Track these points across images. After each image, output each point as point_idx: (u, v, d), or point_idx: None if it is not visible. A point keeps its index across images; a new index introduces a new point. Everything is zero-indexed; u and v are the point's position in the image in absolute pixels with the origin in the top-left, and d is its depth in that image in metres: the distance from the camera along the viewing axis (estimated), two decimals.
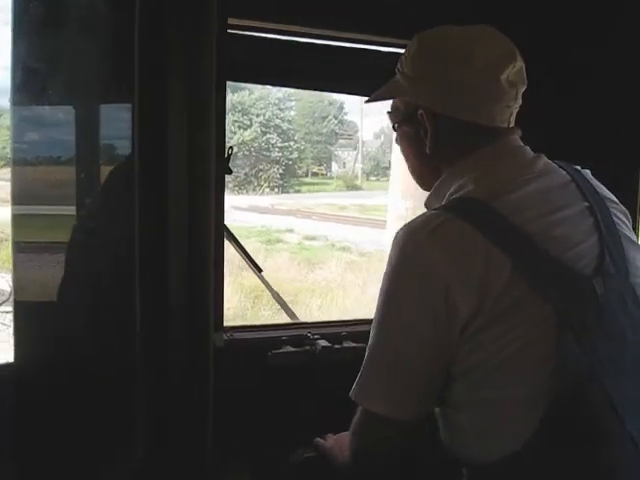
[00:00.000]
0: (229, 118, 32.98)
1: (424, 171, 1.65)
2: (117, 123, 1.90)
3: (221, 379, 1.83)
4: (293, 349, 2.29)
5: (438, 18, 2.08)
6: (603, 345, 1.37)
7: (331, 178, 36.97)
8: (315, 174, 35.69)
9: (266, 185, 33.36)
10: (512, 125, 1.55)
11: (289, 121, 35.37)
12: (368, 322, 2.40)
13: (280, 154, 34.69)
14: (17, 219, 2.02)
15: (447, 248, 1.39)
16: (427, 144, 1.57)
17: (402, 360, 1.45)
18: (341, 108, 34.96)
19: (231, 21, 2.09)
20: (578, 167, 1.57)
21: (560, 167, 1.54)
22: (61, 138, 1.96)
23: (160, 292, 1.75)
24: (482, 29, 1.53)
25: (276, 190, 33.63)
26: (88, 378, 1.85)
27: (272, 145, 34.82)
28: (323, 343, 2.28)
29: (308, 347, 2.30)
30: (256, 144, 34.13)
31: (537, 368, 1.36)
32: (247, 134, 33.71)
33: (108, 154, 1.94)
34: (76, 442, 1.84)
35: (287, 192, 33.01)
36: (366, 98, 1.84)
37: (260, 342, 2.28)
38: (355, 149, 36.59)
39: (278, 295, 2.52)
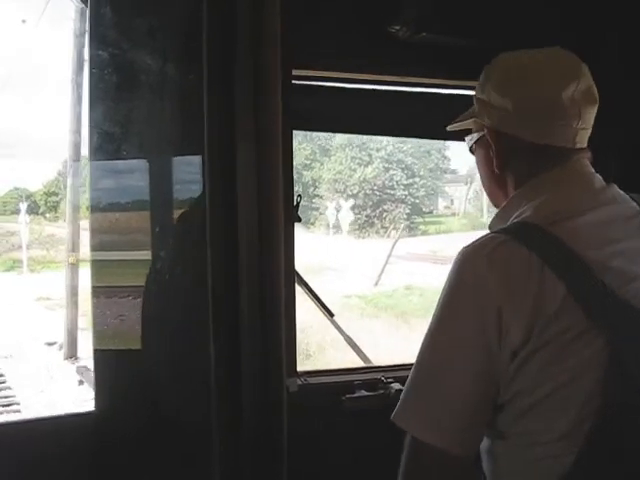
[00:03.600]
0: (346, 154, 31.91)
1: (494, 192, 1.69)
2: (188, 174, 2.01)
3: (296, 424, 1.89)
4: (367, 393, 2.33)
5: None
6: None
7: (445, 216, 34.76)
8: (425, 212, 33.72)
9: (392, 227, 31.20)
10: (579, 146, 1.56)
11: (412, 155, 33.09)
12: None
13: (406, 192, 32.56)
14: (95, 265, 2.12)
15: (502, 271, 1.39)
16: (495, 163, 1.62)
17: (450, 381, 1.42)
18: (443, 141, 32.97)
19: (295, 72, 2.17)
20: None
21: (633, 200, 1.54)
22: (135, 190, 2.10)
23: (233, 338, 1.82)
24: (549, 50, 1.59)
25: (402, 232, 31.68)
26: (165, 425, 1.94)
27: (396, 182, 32.73)
28: (397, 386, 2.37)
29: (382, 391, 2.33)
30: (379, 182, 32.27)
31: (580, 403, 1.35)
32: (369, 171, 32.09)
33: (180, 203, 2.04)
34: None
35: (414, 234, 30.94)
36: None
37: (334, 386, 2.37)
38: (466, 184, 34.74)
39: (350, 339, 2.57)
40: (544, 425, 1.38)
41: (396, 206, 31.98)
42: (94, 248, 2.21)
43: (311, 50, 2.30)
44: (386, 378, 2.45)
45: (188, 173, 2.12)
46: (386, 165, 32.37)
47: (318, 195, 32.24)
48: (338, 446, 2.32)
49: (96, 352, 2.17)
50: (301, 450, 2.00)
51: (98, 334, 2.21)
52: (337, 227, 29.44)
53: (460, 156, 33.64)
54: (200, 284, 1.93)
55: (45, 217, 36.47)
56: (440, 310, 1.45)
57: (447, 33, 2.43)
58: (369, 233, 30.69)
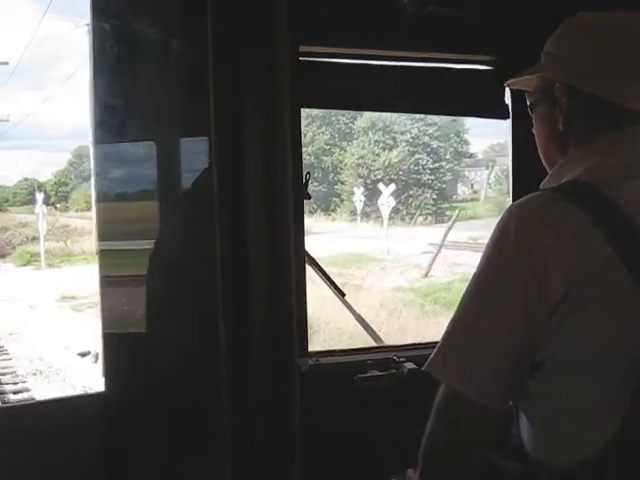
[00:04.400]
0: (370, 138, 31.13)
1: (553, 151, 1.65)
2: (194, 156, 2.00)
3: (308, 404, 1.88)
4: (379, 373, 2.31)
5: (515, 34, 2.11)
6: None
7: (466, 201, 33.73)
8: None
9: (418, 213, 30.39)
10: None
11: (438, 138, 32.19)
12: None
13: (432, 177, 31.63)
14: (103, 254, 2.13)
15: (548, 226, 1.41)
16: (560, 120, 1.58)
17: (488, 334, 1.43)
18: (462, 124, 32.19)
19: (303, 48, 2.13)
20: None
21: None
22: (142, 174, 2.09)
23: (243, 318, 1.81)
24: (631, 13, 1.56)
25: (429, 219, 30.67)
26: (175, 405, 1.94)
27: (422, 167, 31.69)
28: (409, 366, 2.37)
29: (394, 370, 2.32)
30: (405, 166, 31.36)
31: (621, 365, 1.36)
32: (394, 155, 31.18)
33: (187, 183, 2.03)
34: (164, 467, 1.92)
35: (442, 221, 29.48)
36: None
37: (346, 366, 2.39)
38: (487, 167, 33.88)
39: (362, 318, 2.56)
40: (586, 385, 1.40)
41: (422, 191, 31.08)
42: (101, 237, 2.21)
43: (319, 26, 2.28)
44: (398, 357, 2.45)
45: (194, 151, 2.10)
46: (411, 149, 31.47)
47: (340, 181, 31.63)
48: (350, 425, 2.32)
49: (105, 335, 2.18)
50: (313, 430, 1.99)
51: (107, 319, 2.20)
52: (362, 214, 28.95)
53: (479, 139, 32.88)
54: (209, 265, 1.91)
55: (56, 207, 36.40)
56: (483, 264, 1.47)
57: (455, 6, 2.39)
58: (394, 220, 29.36)
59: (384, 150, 31.15)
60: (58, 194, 38.25)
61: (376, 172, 30.91)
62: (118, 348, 2.17)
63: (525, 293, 1.39)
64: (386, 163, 30.92)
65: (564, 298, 1.36)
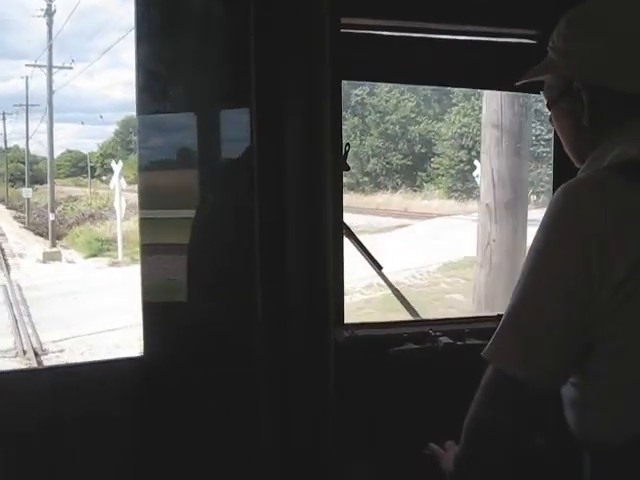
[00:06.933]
0: (472, 103, 28.50)
1: (581, 145, 1.64)
2: (234, 123, 2.02)
3: (343, 375, 1.90)
4: (415, 346, 2.34)
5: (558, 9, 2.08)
6: None
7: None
8: None
9: (531, 192, 28.47)
10: None
11: None
12: (492, 319, 2.44)
13: (547, 149, 29.45)
14: (144, 223, 2.17)
15: (608, 204, 1.42)
16: (585, 117, 1.59)
17: (547, 318, 1.45)
18: None
19: (345, 20, 2.14)
20: None
21: None
22: (183, 142, 2.12)
23: (280, 288, 1.84)
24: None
25: (542, 198, 29.02)
26: (212, 370, 1.99)
27: (536, 137, 29.62)
28: (445, 340, 2.42)
29: (430, 344, 2.34)
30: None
31: None
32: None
33: (227, 152, 2.07)
34: (202, 431, 1.96)
35: None
36: None
37: (381, 339, 2.48)
38: None
39: (399, 292, 2.57)
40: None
41: (535, 166, 27.12)
42: (143, 206, 2.25)
43: None
44: (434, 331, 2.47)
45: (234, 122, 2.13)
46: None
47: (435, 153, 29.06)
48: (384, 397, 2.37)
49: (144, 301, 2.26)
50: (348, 401, 2.02)
51: (147, 286, 2.34)
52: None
53: None
54: (247, 234, 1.94)
55: (102, 180, 36.10)
56: (541, 245, 1.49)
57: None
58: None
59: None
60: (104, 166, 38.17)
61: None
62: (157, 314, 2.23)
63: (586, 272, 1.40)
64: None
65: (626, 278, 1.39)
